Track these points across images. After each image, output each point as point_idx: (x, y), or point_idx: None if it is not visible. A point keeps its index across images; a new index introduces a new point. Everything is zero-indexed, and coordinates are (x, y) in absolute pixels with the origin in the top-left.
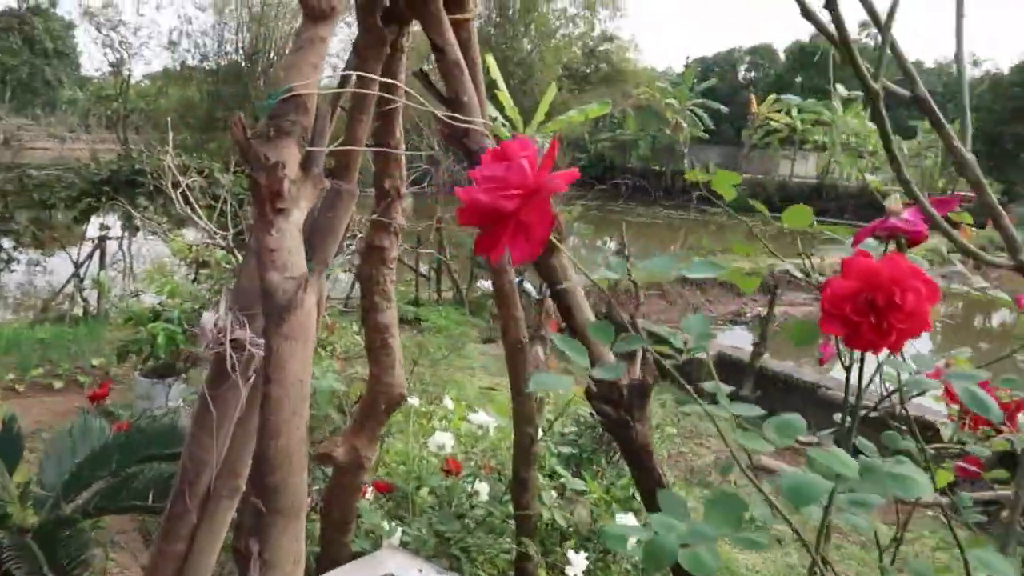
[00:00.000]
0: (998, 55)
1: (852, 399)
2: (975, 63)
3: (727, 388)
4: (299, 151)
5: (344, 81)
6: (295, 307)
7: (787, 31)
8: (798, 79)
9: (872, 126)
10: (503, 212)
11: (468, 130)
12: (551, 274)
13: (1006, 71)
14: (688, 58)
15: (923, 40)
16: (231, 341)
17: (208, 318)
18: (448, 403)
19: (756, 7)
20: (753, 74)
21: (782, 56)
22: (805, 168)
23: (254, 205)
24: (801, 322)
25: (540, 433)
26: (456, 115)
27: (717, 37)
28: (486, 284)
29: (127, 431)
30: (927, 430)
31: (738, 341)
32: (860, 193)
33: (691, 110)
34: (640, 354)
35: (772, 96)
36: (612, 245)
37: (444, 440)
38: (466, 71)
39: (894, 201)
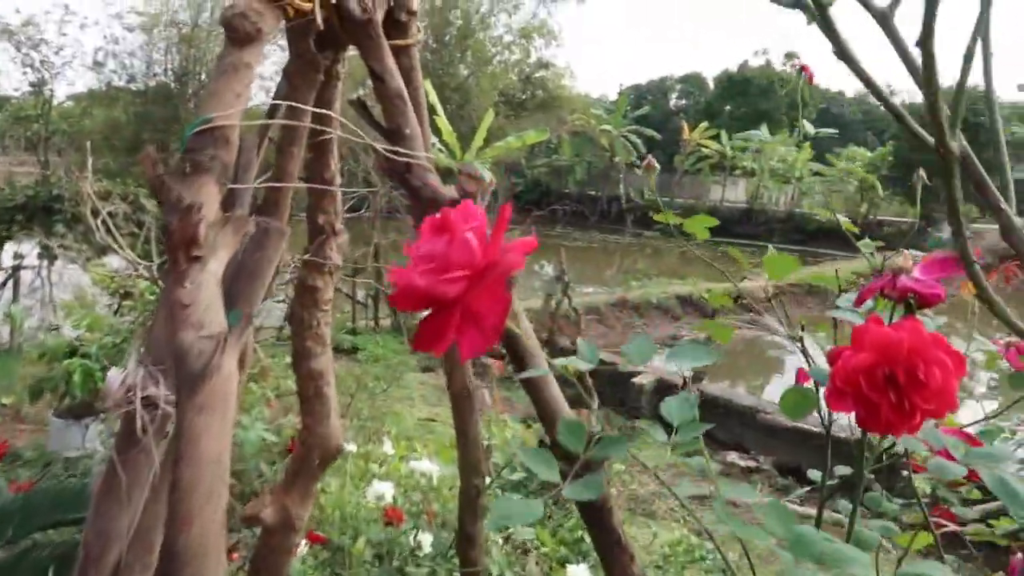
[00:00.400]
0: (911, 87)
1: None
2: (892, 93)
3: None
4: (219, 190)
5: (273, 111)
6: (212, 373)
7: (716, 61)
8: (727, 107)
9: (796, 153)
10: (446, 299)
11: (410, 164)
12: (514, 359)
13: (919, 101)
14: (622, 85)
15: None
16: (142, 399)
17: (114, 375)
18: (387, 447)
19: (687, 38)
20: (684, 102)
21: (711, 85)
22: (735, 193)
23: (167, 252)
24: (794, 391)
25: (488, 480)
26: (397, 148)
27: (649, 66)
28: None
29: (28, 491)
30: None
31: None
32: (788, 218)
33: (625, 136)
34: (596, 403)
35: (704, 124)
36: (550, 270)
37: (384, 490)
38: (409, 102)
39: (903, 257)
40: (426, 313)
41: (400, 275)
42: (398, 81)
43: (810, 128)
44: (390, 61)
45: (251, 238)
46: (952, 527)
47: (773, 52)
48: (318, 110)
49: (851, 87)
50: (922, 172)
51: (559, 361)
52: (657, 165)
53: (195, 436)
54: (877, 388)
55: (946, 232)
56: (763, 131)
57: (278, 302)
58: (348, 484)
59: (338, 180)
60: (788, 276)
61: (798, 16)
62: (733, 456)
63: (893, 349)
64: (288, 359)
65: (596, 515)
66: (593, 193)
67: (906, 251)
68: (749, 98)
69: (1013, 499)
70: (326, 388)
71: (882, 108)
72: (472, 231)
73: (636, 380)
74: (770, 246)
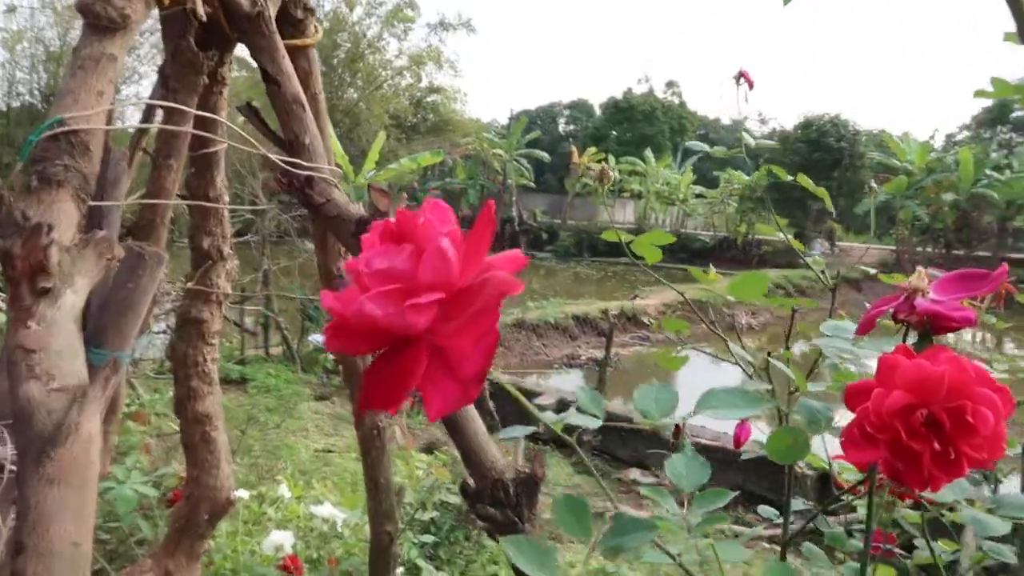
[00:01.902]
0: (782, 115)
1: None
2: (763, 121)
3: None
4: (76, 207)
5: (148, 117)
6: (65, 436)
7: (602, 88)
8: (613, 132)
9: (680, 176)
10: (411, 334)
11: (312, 178)
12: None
13: (790, 128)
14: (512, 110)
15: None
16: None
17: None
18: (284, 490)
19: (575, 67)
20: (572, 127)
21: (598, 111)
22: (624, 215)
23: (7, 284)
24: (784, 433)
25: (400, 525)
26: (296, 160)
27: (538, 91)
28: (317, 339)
29: None
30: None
31: (575, 384)
32: (679, 235)
33: (517, 160)
34: (521, 442)
35: (593, 149)
36: None
37: (282, 540)
38: (308, 108)
39: (919, 276)
40: (376, 355)
41: (341, 301)
42: (295, 85)
43: (750, 139)
44: (286, 62)
45: (122, 265)
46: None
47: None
48: (203, 114)
49: (727, 114)
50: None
51: (551, 419)
52: (612, 174)
53: (44, 518)
54: (918, 435)
55: (818, 249)
56: (649, 155)
57: (158, 334)
58: (240, 531)
59: (225, 198)
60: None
61: (677, 45)
62: (635, 474)
63: (932, 386)
64: (171, 394)
65: None
66: None
67: (922, 269)
68: (633, 123)
69: None
70: (214, 433)
71: (757, 134)
72: (448, 237)
73: (539, 401)
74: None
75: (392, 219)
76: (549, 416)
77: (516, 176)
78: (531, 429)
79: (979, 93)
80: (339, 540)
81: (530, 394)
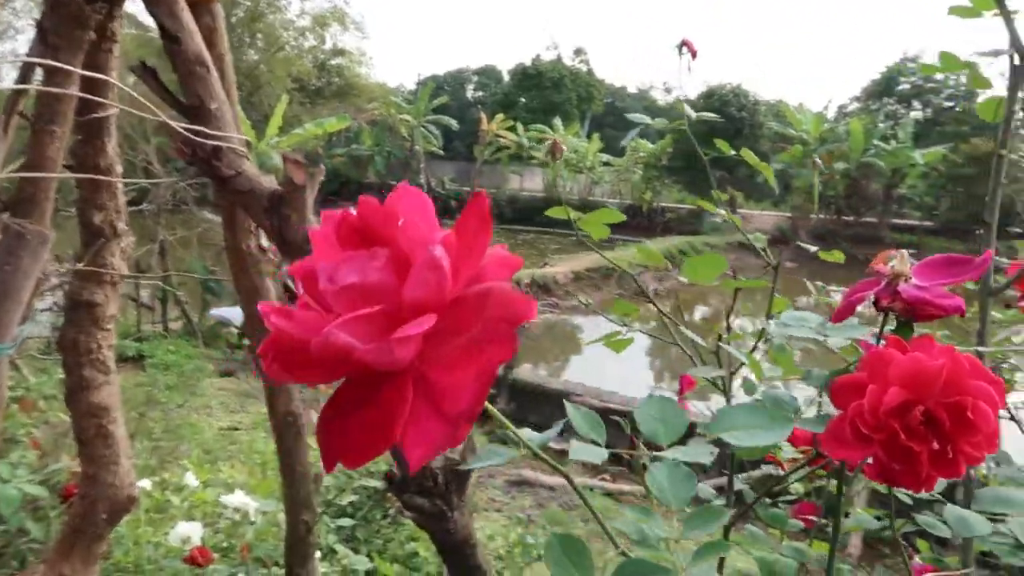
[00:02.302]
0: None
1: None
2: (667, 91)
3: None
4: None
5: (25, 77)
6: None
7: (511, 54)
8: (521, 99)
9: (587, 144)
10: (395, 367)
11: (218, 148)
12: None
13: (693, 97)
14: (419, 75)
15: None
16: None
17: None
18: (189, 479)
19: (483, 32)
20: (481, 93)
21: (506, 77)
22: (533, 183)
23: None
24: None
25: (319, 512)
26: (201, 128)
27: (446, 57)
28: (220, 313)
29: None
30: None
31: None
32: (582, 206)
33: (424, 126)
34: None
35: (501, 116)
36: None
37: (190, 531)
38: (212, 69)
39: (900, 259)
40: (336, 387)
41: (297, 324)
42: (198, 43)
43: (691, 112)
44: (187, 17)
45: (0, 245)
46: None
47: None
48: (90, 74)
49: (633, 82)
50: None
51: (533, 438)
52: (564, 147)
53: None
54: (916, 434)
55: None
56: (558, 122)
57: (44, 311)
58: (143, 522)
59: (119, 169)
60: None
61: (585, 12)
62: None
63: (929, 382)
64: (61, 374)
65: (459, 553)
66: (394, 183)
67: (903, 251)
68: (542, 91)
69: None
70: (112, 426)
71: (661, 103)
72: (442, 244)
73: None
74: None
75: (350, 211)
76: (528, 435)
77: (424, 143)
78: (510, 456)
79: (954, 10)
80: (251, 526)
81: None
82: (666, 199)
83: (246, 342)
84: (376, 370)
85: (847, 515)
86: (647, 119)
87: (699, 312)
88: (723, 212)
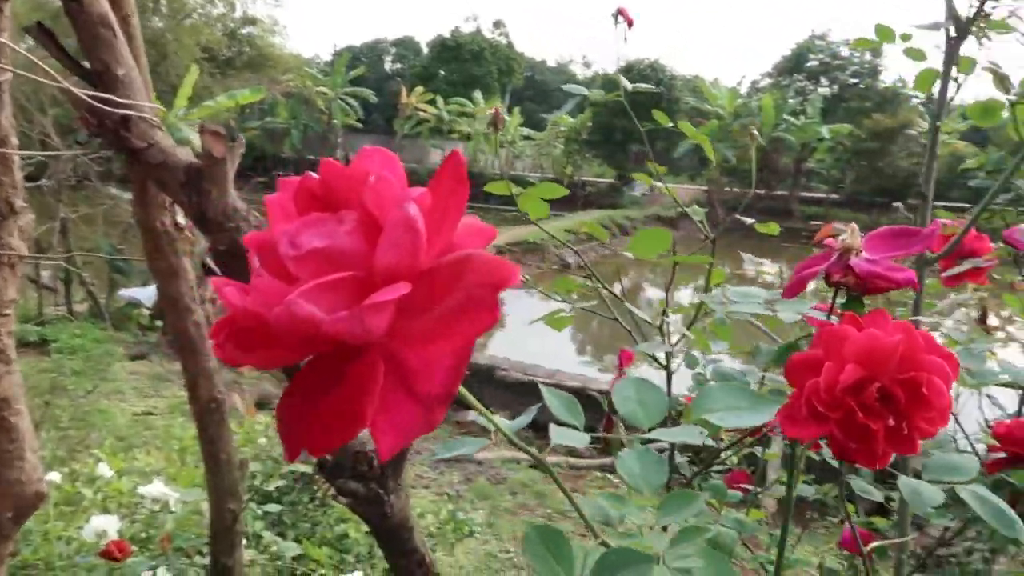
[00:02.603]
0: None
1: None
2: (587, 65)
3: None
4: None
5: None
6: None
7: (429, 26)
8: (441, 72)
9: (508, 118)
10: (367, 341)
11: (128, 118)
12: None
13: (611, 71)
14: (335, 46)
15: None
16: None
17: None
18: (103, 469)
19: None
20: (399, 65)
21: (425, 49)
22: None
23: None
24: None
25: (245, 500)
26: (108, 96)
27: (363, 27)
28: (129, 293)
29: None
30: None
31: None
32: (500, 178)
33: (342, 99)
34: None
35: (421, 88)
36: None
37: (105, 525)
38: (119, 32)
39: (851, 232)
40: (299, 368)
41: (255, 295)
42: (102, 3)
43: (627, 83)
44: None
45: None
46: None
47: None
48: None
49: (553, 57)
50: None
51: (506, 426)
52: (506, 117)
53: None
54: (872, 412)
55: (638, 189)
56: (478, 96)
57: None
58: (52, 517)
59: (14, 141)
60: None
61: None
62: (472, 415)
63: (885, 358)
64: None
65: (394, 536)
66: (312, 158)
67: (854, 225)
68: (462, 63)
69: (1001, 519)
70: (15, 418)
71: (581, 77)
72: (415, 203)
73: None
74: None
75: (311, 175)
76: (502, 422)
77: (342, 116)
78: (480, 445)
79: None
80: (170, 516)
81: None
82: (587, 173)
83: (159, 323)
84: (343, 346)
85: (785, 484)
86: (584, 90)
87: (616, 287)
88: (660, 185)
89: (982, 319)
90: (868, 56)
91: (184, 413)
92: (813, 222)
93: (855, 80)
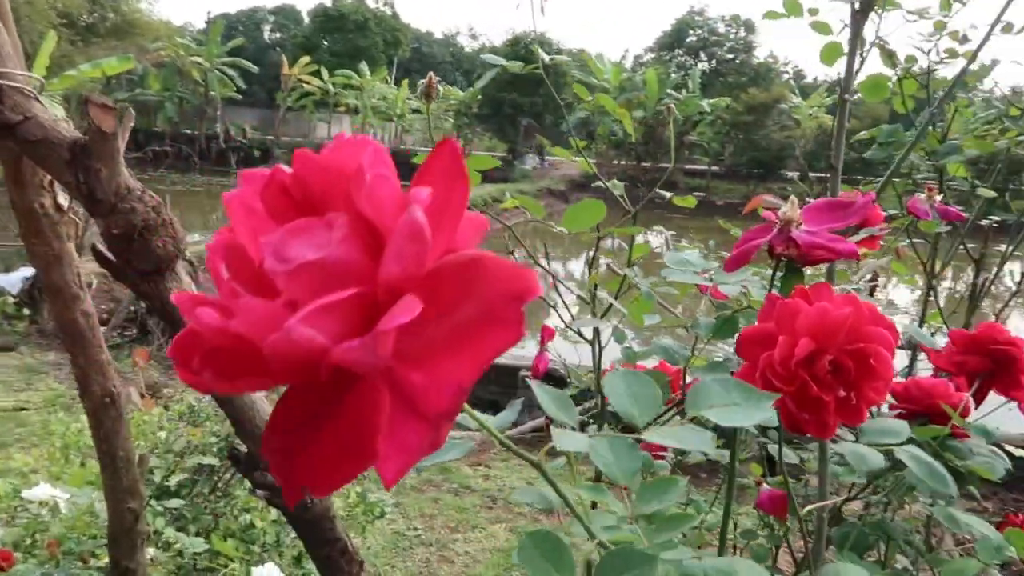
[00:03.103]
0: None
1: None
2: (473, 37)
3: None
4: None
5: None
6: None
7: None
8: (324, 42)
9: (396, 91)
10: (375, 368)
11: (1, 89)
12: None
13: (499, 44)
14: (209, 14)
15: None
16: None
17: None
18: None
19: None
20: (279, 35)
21: (306, 18)
22: (341, 130)
23: None
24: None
25: (147, 498)
26: None
27: None
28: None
29: None
30: None
31: None
32: (395, 154)
33: (220, 70)
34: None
35: (307, 59)
36: None
37: None
38: None
39: (791, 205)
40: (291, 395)
41: (241, 322)
42: None
43: (544, 55)
44: None
45: None
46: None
47: None
48: None
49: (439, 28)
50: None
51: (492, 421)
52: (439, 87)
53: None
54: (824, 384)
55: (529, 163)
56: (364, 68)
57: None
58: None
59: None
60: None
61: None
62: None
63: (834, 331)
64: None
65: (316, 526)
66: (189, 132)
67: (793, 197)
68: (346, 34)
69: (934, 476)
70: None
71: (468, 49)
72: (420, 203)
73: None
74: None
75: (281, 168)
76: (487, 421)
77: (220, 87)
78: (467, 450)
79: None
80: (56, 519)
81: None
82: (478, 147)
83: (27, 312)
84: (341, 372)
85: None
86: (502, 60)
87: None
88: (581, 159)
89: (872, 285)
90: (743, 32)
91: (63, 407)
92: (696, 193)
93: (731, 56)
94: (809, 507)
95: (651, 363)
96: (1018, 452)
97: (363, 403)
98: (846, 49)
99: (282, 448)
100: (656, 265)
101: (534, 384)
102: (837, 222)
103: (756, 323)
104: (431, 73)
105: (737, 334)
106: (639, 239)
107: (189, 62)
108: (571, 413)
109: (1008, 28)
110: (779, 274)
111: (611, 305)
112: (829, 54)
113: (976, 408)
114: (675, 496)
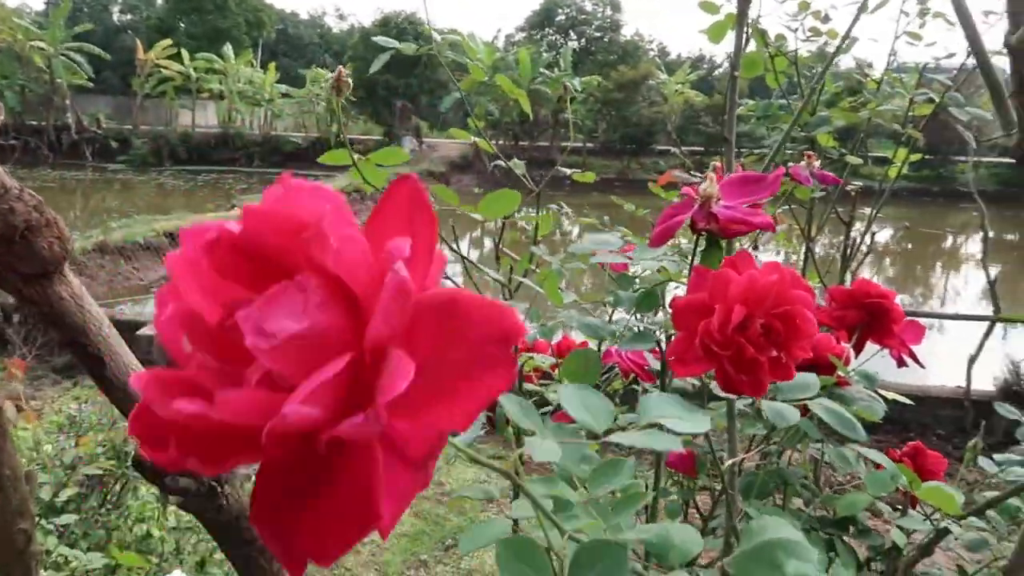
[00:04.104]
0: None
1: None
2: (341, 17)
3: None
4: None
5: None
6: None
7: None
8: (181, 24)
9: (264, 75)
10: (374, 435)
11: None
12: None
13: (368, 24)
14: None
15: None
16: None
17: None
18: None
19: None
20: (130, 16)
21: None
22: (206, 118)
23: None
24: (579, 356)
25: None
26: None
27: None
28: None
29: None
30: None
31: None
32: (264, 140)
33: (66, 55)
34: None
35: (165, 42)
36: None
37: None
38: None
39: (710, 181)
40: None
41: (228, 407)
42: None
43: (437, 36)
44: None
45: None
46: None
47: None
48: None
49: (305, 8)
50: None
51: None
52: (349, 80)
53: None
54: (758, 346)
55: (407, 145)
56: (228, 51)
57: None
58: None
59: None
60: None
61: None
62: None
63: (763, 296)
64: None
65: (233, 527)
66: (35, 123)
67: (712, 174)
68: (204, 15)
69: (844, 423)
70: None
71: (336, 30)
72: (400, 258)
73: (143, 332)
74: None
75: (227, 225)
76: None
77: (67, 74)
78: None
79: None
80: None
81: (133, 325)
82: (352, 131)
83: None
84: (333, 440)
85: None
86: (395, 43)
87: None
88: (480, 140)
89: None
90: (609, 11)
91: None
92: (572, 169)
93: (599, 34)
94: (730, 461)
95: (556, 339)
96: (890, 396)
97: (358, 466)
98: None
99: (277, 523)
100: (552, 243)
101: (503, 398)
102: (751, 196)
103: (685, 295)
104: (340, 68)
105: (659, 306)
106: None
107: (29, 47)
108: (535, 419)
109: (864, 7)
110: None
111: (521, 283)
112: (717, 32)
113: (856, 358)
114: (626, 477)
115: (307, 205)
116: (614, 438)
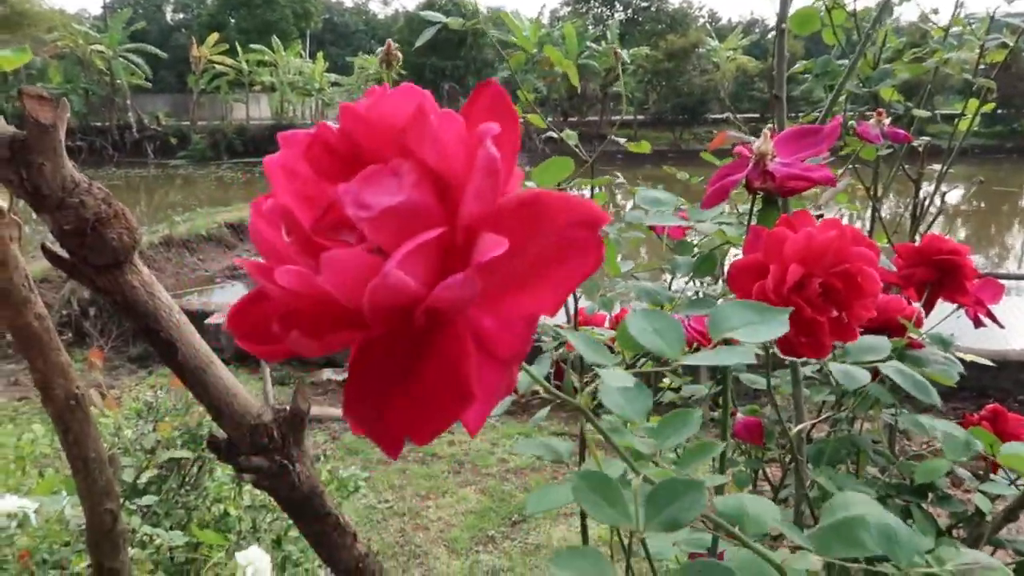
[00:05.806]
0: None
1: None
2: (385, 3)
3: None
4: None
5: None
6: None
7: None
8: (231, 20)
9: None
10: (463, 308)
11: None
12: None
13: (412, 9)
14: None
15: None
16: None
17: None
18: None
19: None
20: (182, 15)
21: None
22: (260, 110)
23: None
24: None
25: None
26: None
27: None
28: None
29: None
30: None
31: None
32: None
33: (124, 57)
34: (267, 372)
35: (215, 36)
36: None
37: None
38: None
39: (764, 138)
40: (365, 350)
41: (332, 274)
42: None
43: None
44: None
45: None
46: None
47: None
48: None
49: None
50: None
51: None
52: (399, 53)
53: None
54: (816, 306)
55: None
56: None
57: None
58: None
59: None
60: None
61: None
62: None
63: (821, 254)
64: None
65: (307, 505)
66: (99, 124)
67: (766, 130)
68: (253, 9)
69: (918, 387)
70: None
71: (381, 16)
72: (492, 139)
73: (212, 320)
74: None
75: (327, 125)
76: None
77: (127, 76)
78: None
79: None
80: (26, 530)
81: (201, 315)
82: None
83: None
84: (422, 319)
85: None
86: (443, 17)
87: None
88: (528, 116)
89: (818, 215)
90: None
91: (8, 419)
92: (625, 140)
93: (646, 4)
94: (798, 427)
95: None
96: (969, 357)
97: (451, 347)
98: None
99: (370, 406)
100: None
101: (570, 334)
102: (808, 150)
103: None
104: (389, 41)
105: (718, 272)
106: (588, 189)
107: (90, 51)
108: (605, 354)
109: None
110: (756, 208)
111: None
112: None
113: (926, 318)
114: (693, 428)
115: (401, 102)
116: (687, 359)
